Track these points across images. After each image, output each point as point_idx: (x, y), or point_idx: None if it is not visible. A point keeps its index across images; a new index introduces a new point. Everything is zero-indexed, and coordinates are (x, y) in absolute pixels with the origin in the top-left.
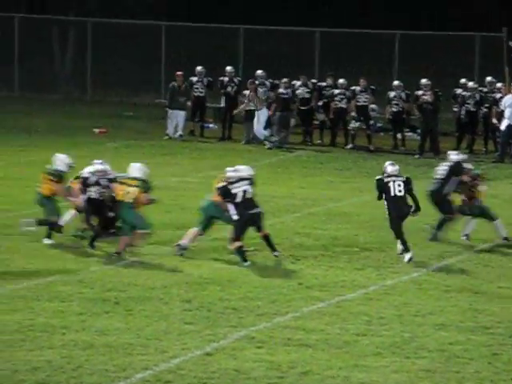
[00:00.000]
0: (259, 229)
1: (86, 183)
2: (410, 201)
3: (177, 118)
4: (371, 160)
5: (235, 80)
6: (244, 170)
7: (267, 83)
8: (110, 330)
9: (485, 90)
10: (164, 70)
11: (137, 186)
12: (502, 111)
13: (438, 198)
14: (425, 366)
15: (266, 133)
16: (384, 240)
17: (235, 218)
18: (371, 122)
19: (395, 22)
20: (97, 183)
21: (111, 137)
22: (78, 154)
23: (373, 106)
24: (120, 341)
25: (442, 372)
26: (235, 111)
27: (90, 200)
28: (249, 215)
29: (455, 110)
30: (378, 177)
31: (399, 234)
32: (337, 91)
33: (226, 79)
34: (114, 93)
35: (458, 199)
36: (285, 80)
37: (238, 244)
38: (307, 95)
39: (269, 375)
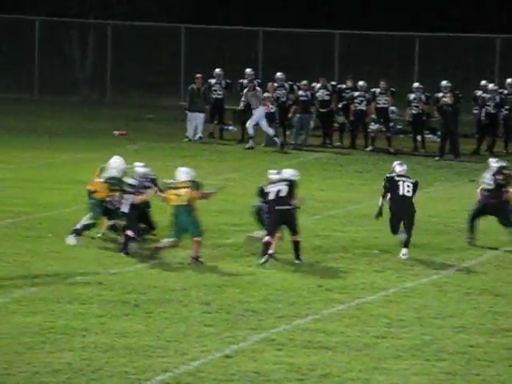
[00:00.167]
0: (292, 232)
1: (127, 188)
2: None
3: (196, 121)
4: (391, 162)
5: (255, 82)
6: (287, 173)
7: (286, 85)
8: (129, 333)
9: (505, 91)
10: (184, 73)
11: (188, 187)
12: None
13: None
14: (445, 369)
15: (252, 132)
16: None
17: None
18: (391, 124)
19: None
20: (136, 188)
21: (131, 139)
22: (97, 156)
23: (393, 108)
24: (140, 343)
25: (462, 375)
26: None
27: (133, 206)
28: (277, 211)
29: (475, 111)
30: (388, 174)
31: (396, 231)
32: (356, 93)
33: (246, 81)
34: (133, 95)
35: None
36: (304, 82)
37: (266, 239)
38: (327, 97)
39: (288, 377)
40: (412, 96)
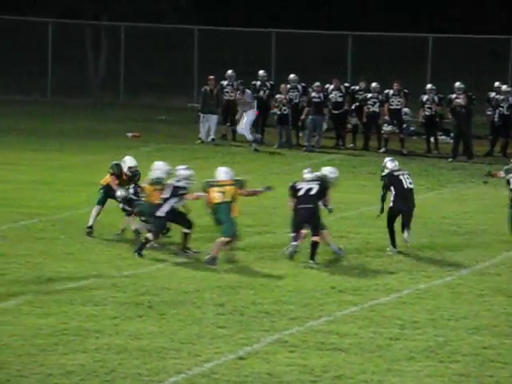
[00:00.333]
0: (313, 231)
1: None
2: None
3: (209, 122)
4: (404, 164)
5: (267, 84)
6: (325, 170)
7: (299, 87)
8: (143, 334)
9: None
10: (196, 74)
11: (231, 185)
12: None
13: None
14: (459, 371)
15: (251, 136)
16: (417, 244)
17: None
18: (404, 125)
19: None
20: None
21: (144, 141)
22: (110, 158)
23: (406, 109)
24: (153, 345)
25: (476, 376)
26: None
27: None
28: (299, 209)
29: (489, 113)
30: (385, 172)
31: (391, 228)
32: (369, 95)
33: (259, 83)
34: (146, 97)
35: None
36: (317, 84)
37: (291, 235)
38: (340, 99)
39: (302, 379)
40: (425, 97)
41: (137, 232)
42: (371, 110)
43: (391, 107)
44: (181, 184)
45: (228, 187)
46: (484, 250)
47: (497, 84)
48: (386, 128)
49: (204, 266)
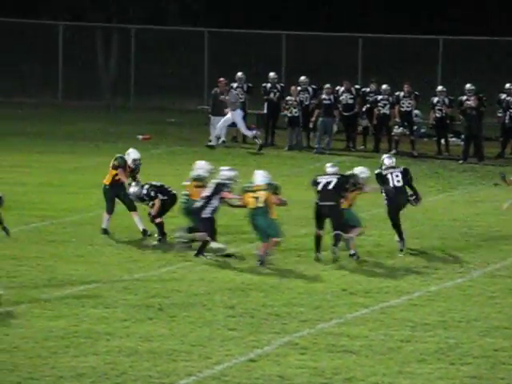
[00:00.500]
0: (334, 227)
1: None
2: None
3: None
4: (415, 166)
5: (278, 86)
6: (357, 170)
7: (310, 89)
8: (153, 337)
9: None
10: (207, 76)
11: (264, 190)
12: None
13: None
14: (470, 373)
15: (250, 133)
16: (428, 246)
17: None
18: (415, 127)
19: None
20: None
21: (154, 143)
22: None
23: (416, 111)
24: (164, 347)
25: (487, 379)
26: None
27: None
28: (317, 206)
29: (500, 115)
30: (376, 171)
31: (396, 224)
32: (380, 97)
33: (269, 85)
34: (157, 99)
35: None
36: (327, 86)
37: (315, 233)
38: (350, 101)
39: (312, 381)
40: (436, 99)
41: (144, 232)
42: (382, 112)
43: (402, 109)
44: (223, 182)
45: (261, 192)
46: (495, 251)
47: (507, 86)
48: (397, 130)
49: (258, 266)
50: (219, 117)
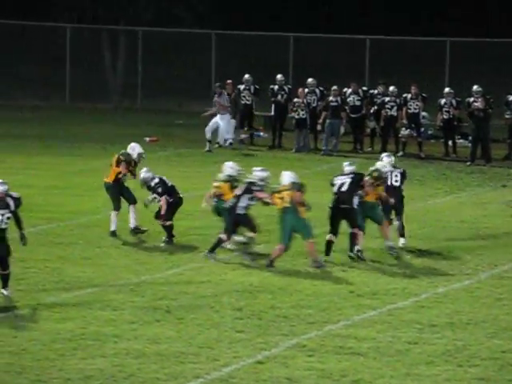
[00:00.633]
0: (351, 225)
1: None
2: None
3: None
4: (422, 167)
5: (285, 88)
6: (379, 165)
7: (317, 91)
8: (161, 339)
9: None
10: (214, 79)
11: (289, 189)
12: None
13: None
14: (478, 375)
15: (230, 139)
16: (436, 247)
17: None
18: (422, 129)
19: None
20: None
21: (162, 145)
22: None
23: (424, 113)
24: (171, 349)
25: (495, 381)
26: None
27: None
28: (333, 209)
29: (507, 116)
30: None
31: (388, 218)
32: (387, 99)
33: (276, 87)
34: (164, 101)
35: None
36: (334, 88)
37: (327, 238)
38: (358, 103)
39: (320, 383)
40: (443, 101)
41: (135, 230)
42: (389, 113)
43: (409, 111)
44: (254, 181)
45: (286, 192)
46: (503, 253)
47: None
48: (404, 132)
49: (316, 269)
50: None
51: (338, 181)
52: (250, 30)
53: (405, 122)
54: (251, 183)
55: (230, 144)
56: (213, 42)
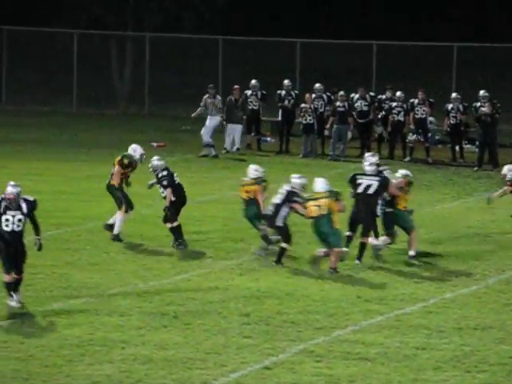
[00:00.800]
0: (364, 232)
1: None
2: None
3: (234, 132)
4: (429, 173)
5: (292, 93)
6: (399, 174)
7: (324, 96)
8: (168, 344)
9: None
10: (221, 84)
11: (326, 197)
12: None
13: None
14: (486, 380)
15: (211, 141)
16: (443, 252)
17: None
18: (429, 134)
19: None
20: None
21: (169, 151)
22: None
23: (431, 118)
24: (179, 355)
25: None
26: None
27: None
28: (354, 210)
29: None
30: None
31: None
32: (394, 104)
33: (284, 93)
34: (171, 107)
35: None
36: (341, 93)
37: (347, 233)
38: (365, 108)
39: None
40: (450, 106)
41: (107, 226)
42: (396, 119)
43: (416, 116)
44: (294, 190)
45: (323, 200)
46: (510, 258)
47: None
48: (411, 137)
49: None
50: (234, 124)
51: (363, 181)
52: (257, 35)
53: (412, 127)
54: (291, 192)
55: (238, 150)
56: (220, 48)
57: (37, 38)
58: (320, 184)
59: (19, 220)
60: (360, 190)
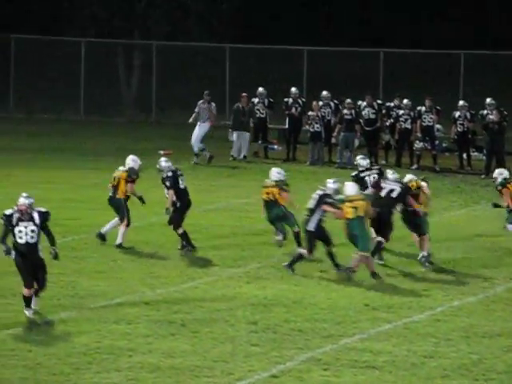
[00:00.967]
0: (382, 232)
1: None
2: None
3: (241, 140)
4: (437, 180)
5: (299, 101)
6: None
7: (332, 104)
8: (176, 352)
9: None
10: (228, 92)
11: (363, 200)
12: None
13: None
14: None
15: (201, 145)
16: (451, 260)
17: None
18: (436, 142)
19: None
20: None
21: (176, 158)
22: (143, 176)
23: (438, 126)
24: (186, 363)
25: None
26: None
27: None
28: (379, 213)
29: None
30: (353, 173)
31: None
32: (401, 111)
33: (291, 100)
34: (178, 115)
35: None
36: (348, 101)
37: (377, 239)
38: (373, 116)
39: None
40: (457, 114)
41: (100, 235)
42: (403, 126)
43: (423, 124)
44: (327, 194)
45: (360, 202)
46: None
47: None
48: (418, 145)
49: (341, 278)
50: (241, 132)
51: (386, 185)
52: (264, 43)
53: (419, 134)
54: (324, 195)
55: (245, 157)
56: (227, 56)
57: (44, 46)
58: (351, 187)
59: (32, 231)
60: (383, 193)
